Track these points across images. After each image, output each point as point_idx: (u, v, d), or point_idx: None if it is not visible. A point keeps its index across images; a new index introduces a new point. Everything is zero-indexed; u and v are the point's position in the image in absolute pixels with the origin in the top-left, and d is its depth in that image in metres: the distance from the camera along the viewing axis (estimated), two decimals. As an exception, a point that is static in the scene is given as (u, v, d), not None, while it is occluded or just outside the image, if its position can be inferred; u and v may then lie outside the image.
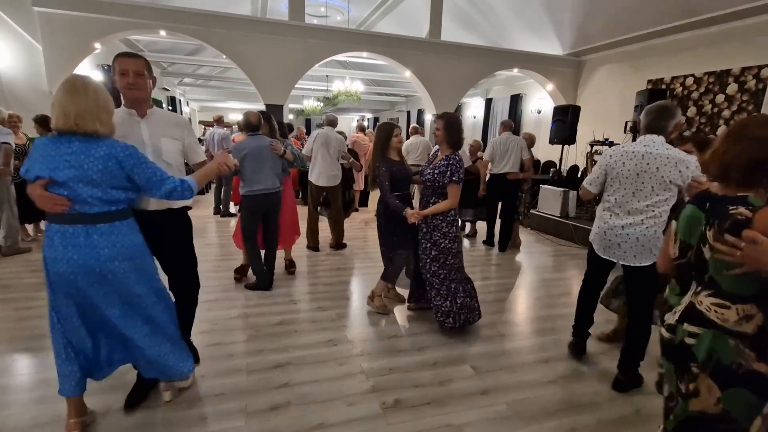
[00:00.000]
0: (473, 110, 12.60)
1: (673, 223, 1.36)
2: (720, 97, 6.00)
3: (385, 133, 2.91)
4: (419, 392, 2.18)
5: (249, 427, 1.88)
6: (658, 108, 2.16)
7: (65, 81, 1.56)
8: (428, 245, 2.79)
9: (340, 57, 7.83)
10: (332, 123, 4.65)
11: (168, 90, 12.63)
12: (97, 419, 1.87)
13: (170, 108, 12.80)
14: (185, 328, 2.17)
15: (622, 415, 2.05)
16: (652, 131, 2.14)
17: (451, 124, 2.70)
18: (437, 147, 2.90)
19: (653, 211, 2.12)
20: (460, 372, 2.38)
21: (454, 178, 2.65)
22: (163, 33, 6.22)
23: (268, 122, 3.57)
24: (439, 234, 2.76)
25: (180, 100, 14.38)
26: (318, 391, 2.16)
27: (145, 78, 1.84)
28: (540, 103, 9.64)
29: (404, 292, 3.30)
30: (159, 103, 11.21)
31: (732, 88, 5.85)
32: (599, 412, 2.07)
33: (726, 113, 5.94)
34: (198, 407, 1.99)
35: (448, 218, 2.77)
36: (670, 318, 1.28)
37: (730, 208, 1.12)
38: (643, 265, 2.16)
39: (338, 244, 4.88)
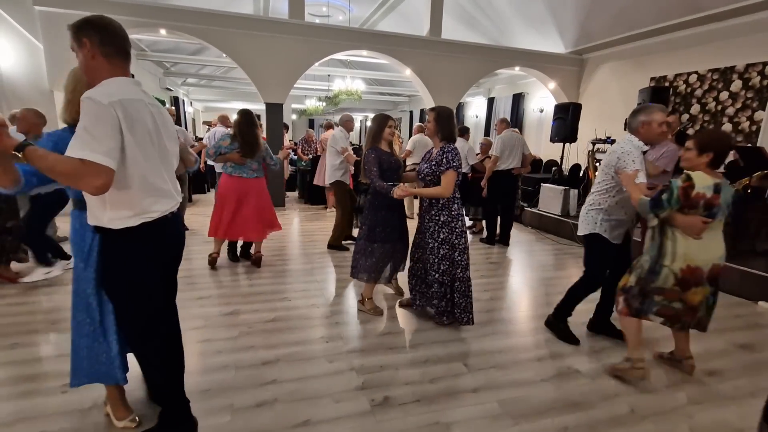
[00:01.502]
0: (475, 109, 12.54)
1: None
2: (724, 95, 5.91)
3: (379, 123, 2.96)
4: (409, 389, 2.14)
5: (234, 423, 1.86)
6: (633, 110, 2.48)
7: None
8: (436, 244, 2.72)
9: (340, 56, 7.81)
10: (340, 122, 4.80)
11: (171, 90, 12.70)
12: (81, 416, 1.86)
13: (173, 108, 12.84)
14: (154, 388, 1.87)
15: (616, 414, 2.00)
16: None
17: (442, 116, 2.70)
18: (430, 146, 2.93)
19: (591, 194, 2.58)
20: (452, 369, 2.34)
21: (453, 164, 2.59)
22: (163, 32, 6.24)
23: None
24: (447, 230, 2.70)
25: (183, 101, 14.44)
26: (306, 388, 2.13)
27: (78, 56, 1.41)
28: (542, 101, 9.56)
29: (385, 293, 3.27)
30: (162, 103, 11.20)
31: (736, 85, 5.76)
32: (592, 411, 2.02)
33: (730, 111, 5.85)
34: (184, 403, 1.97)
35: (453, 213, 2.71)
36: None
37: None
38: (581, 233, 2.63)
39: (330, 244, 4.78)
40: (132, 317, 1.57)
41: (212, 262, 3.95)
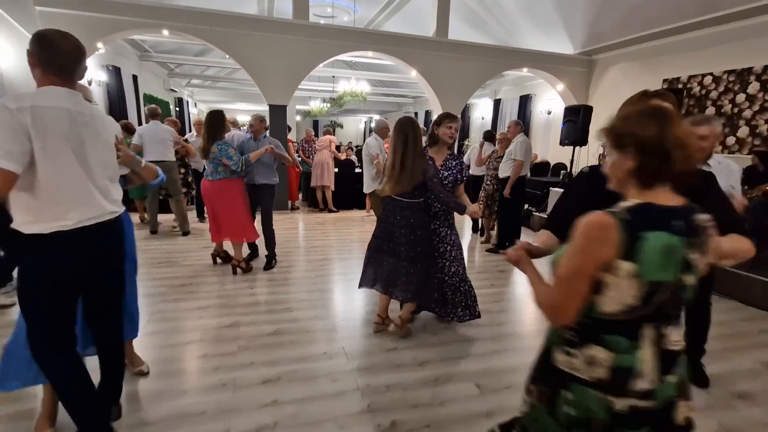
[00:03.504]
0: (481, 111, 12.39)
1: (624, 264, 0.89)
2: (741, 97, 5.73)
3: (416, 130, 2.53)
4: (418, 413, 2.00)
5: (231, 451, 1.73)
6: None
7: None
8: (449, 247, 2.79)
9: (345, 57, 7.70)
10: (376, 129, 4.78)
11: (175, 91, 12.64)
12: (68, 440, 1.73)
13: (177, 109, 12.82)
14: None
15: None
16: None
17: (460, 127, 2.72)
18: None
19: None
20: (463, 390, 2.20)
21: (465, 176, 2.75)
22: (165, 32, 6.14)
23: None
24: (455, 233, 2.81)
25: (187, 102, 14.40)
26: (308, 411, 1.99)
27: None
28: (550, 103, 9.40)
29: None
30: (166, 104, 11.21)
31: (753, 87, 5.57)
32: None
33: (747, 113, 5.66)
34: (176, 428, 1.84)
35: (454, 216, 2.83)
36: (644, 383, 0.92)
37: (697, 219, 0.94)
38: None
39: None
40: (31, 328, 1.49)
41: (213, 257, 4.15)
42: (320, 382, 2.23)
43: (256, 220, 4.03)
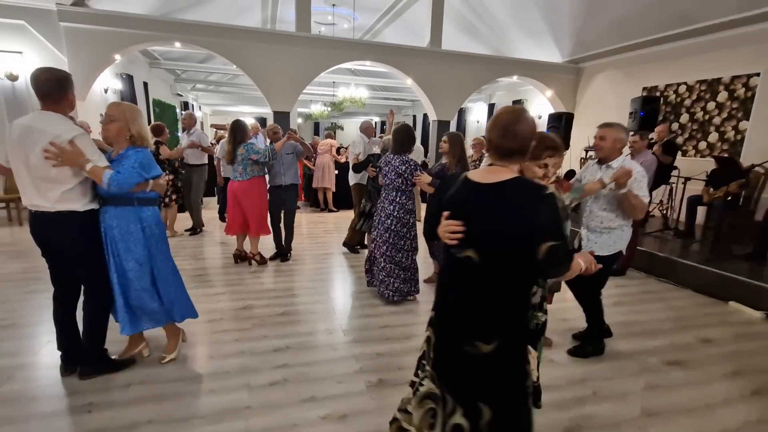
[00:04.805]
0: (476, 115, 12.85)
1: None
2: (711, 105, 6.18)
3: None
4: (402, 374, 2.45)
5: (251, 399, 2.18)
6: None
7: None
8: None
9: (347, 64, 8.17)
10: (361, 129, 5.26)
11: (181, 95, 13.13)
12: (107, 393, 2.19)
13: (183, 112, 13.30)
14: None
15: (580, 396, 2.30)
16: None
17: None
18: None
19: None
20: (440, 358, 2.65)
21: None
22: (178, 44, 6.61)
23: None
24: None
25: (192, 105, 14.89)
26: (312, 371, 2.45)
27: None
28: (541, 108, 9.83)
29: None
30: (172, 108, 11.70)
31: (722, 95, 6.02)
32: (561, 392, 2.32)
33: (716, 120, 6.11)
34: (206, 382, 2.30)
35: None
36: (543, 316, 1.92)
37: None
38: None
39: (346, 244, 5.12)
40: None
41: (234, 257, 4.45)
42: (322, 351, 2.68)
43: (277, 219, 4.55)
